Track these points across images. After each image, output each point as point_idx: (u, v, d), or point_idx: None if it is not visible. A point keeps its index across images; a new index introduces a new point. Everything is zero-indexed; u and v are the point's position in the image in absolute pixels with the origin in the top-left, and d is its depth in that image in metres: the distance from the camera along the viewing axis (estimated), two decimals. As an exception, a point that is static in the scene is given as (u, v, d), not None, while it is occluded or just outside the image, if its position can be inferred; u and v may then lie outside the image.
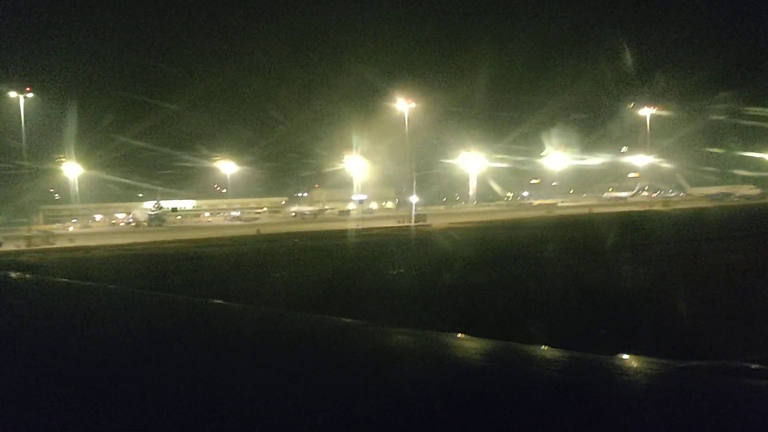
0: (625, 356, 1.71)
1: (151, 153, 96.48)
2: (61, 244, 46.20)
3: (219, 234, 52.20)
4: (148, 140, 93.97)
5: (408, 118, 78.14)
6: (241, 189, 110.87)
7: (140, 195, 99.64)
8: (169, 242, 44.95)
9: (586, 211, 69.80)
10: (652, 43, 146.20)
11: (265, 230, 54.69)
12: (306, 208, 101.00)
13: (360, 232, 48.40)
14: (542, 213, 72.15)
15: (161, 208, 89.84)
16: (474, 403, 1.29)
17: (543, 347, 1.76)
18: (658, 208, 71.11)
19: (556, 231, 39.40)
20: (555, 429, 1.18)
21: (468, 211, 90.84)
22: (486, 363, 1.67)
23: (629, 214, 56.60)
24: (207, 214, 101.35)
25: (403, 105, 78.20)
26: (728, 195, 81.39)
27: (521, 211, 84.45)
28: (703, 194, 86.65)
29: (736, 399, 1.37)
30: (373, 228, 54.80)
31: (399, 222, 65.35)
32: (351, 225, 60.12)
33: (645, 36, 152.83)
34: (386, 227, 56.78)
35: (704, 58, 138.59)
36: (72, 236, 54.73)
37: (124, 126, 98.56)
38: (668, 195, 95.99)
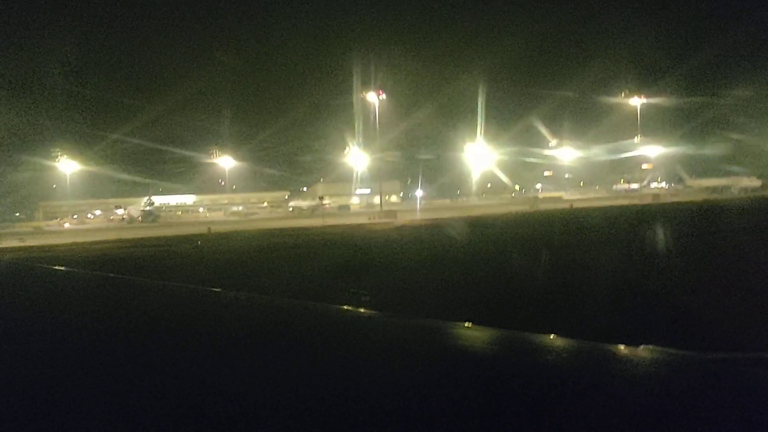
0: (650, 347, 1.65)
1: (153, 149, 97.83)
2: (7, 243, 46.62)
3: (185, 231, 51.70)
4: (151, 136, 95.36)
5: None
6: (246, 183, 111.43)
7: (141, 190, 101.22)
8: (111, 241, 44.77)
9: (567, 206, 66.83)
10: (662, 31, 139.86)
11: (218, 228, 54.08)
12: (303, 203, 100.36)
13: (305, 231, 47.26)
14: (526, 208, 69.70)
15: (153, 203, 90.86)
16: (497, 393, 1.33)
17: (552, 336, 1.75)
18: (647, 201, 67.67)
19: (505, 230, 37.58)
20: (578, 420, 1.20)
21: (462, 206, 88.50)
22: (509, 354, 1.68)
23: (603, 209, 53.67)
24: (201, 209, 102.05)
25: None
26: (728, 187, 76.68)
27: (517, 205, 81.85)
28: (703, 186, 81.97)
29: (763, 391, 1.37)
30: (331, 226, 53.55)
31: (370, 219, 63.89)
32: (317, 222, 59.04)
33: (654, 23, 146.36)
34: (346, 225, 55.44)
35: (717, 45, 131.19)
36: (25, 235, 55.20)
37: (124, 122, 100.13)
38: (677, 186, 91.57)
